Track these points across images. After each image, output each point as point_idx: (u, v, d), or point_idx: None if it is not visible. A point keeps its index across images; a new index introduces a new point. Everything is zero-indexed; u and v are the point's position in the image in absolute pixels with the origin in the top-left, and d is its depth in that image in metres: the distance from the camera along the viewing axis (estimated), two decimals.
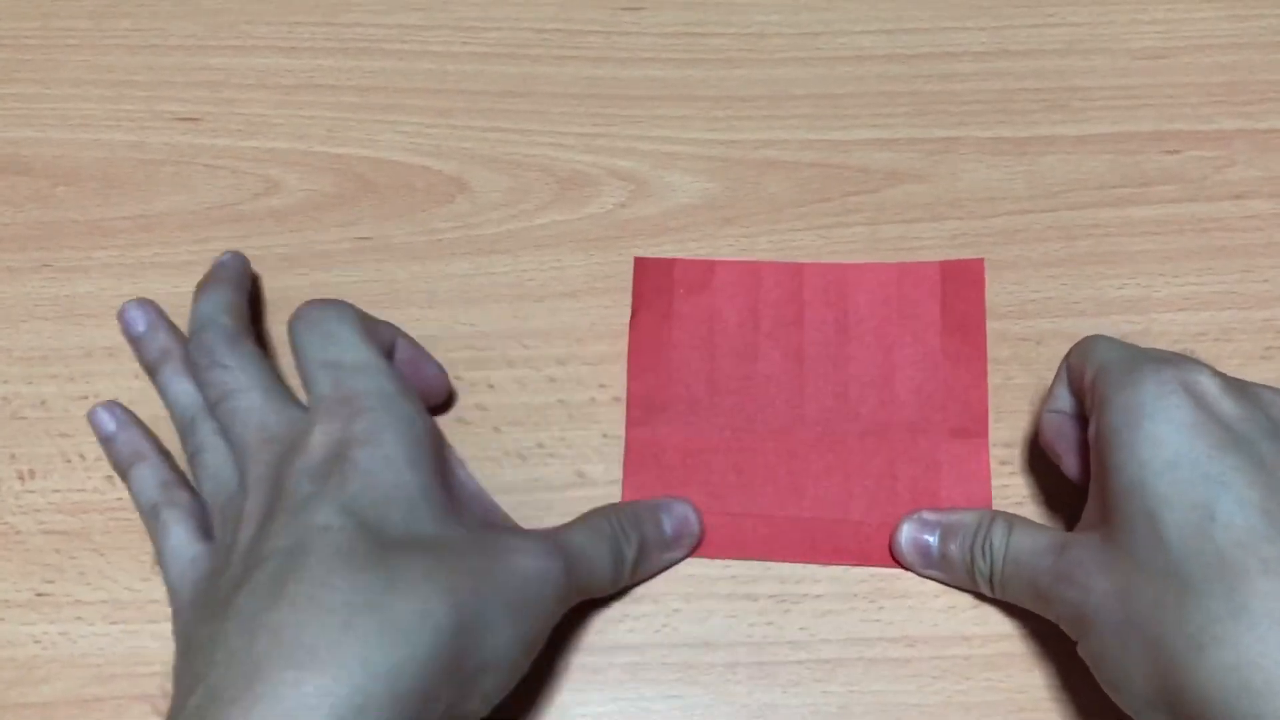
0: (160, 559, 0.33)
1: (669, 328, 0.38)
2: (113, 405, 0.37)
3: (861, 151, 0.42)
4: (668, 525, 0.35)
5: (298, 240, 0.41)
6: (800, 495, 0.36)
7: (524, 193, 0.41)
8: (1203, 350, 0.38)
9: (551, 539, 0.32)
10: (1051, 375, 0.38)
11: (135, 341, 0.37)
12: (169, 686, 0.30)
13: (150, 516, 0.34)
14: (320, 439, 0.31)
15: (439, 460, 0.32)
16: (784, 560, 0.36)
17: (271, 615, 0.27)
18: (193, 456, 0.35)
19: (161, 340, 0.37)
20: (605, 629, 0.35)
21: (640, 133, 0.42)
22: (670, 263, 0.39)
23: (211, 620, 0.29)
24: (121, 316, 0.38)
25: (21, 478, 0.37)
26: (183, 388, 0.35)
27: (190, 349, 0.35)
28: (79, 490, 0.37)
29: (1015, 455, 0.37)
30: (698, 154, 0.42)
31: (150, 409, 0.38)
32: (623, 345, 0.39)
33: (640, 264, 0.39)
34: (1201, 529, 0.27)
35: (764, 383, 0.38)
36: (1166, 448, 0.28)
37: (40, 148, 0.42)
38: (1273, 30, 0.44)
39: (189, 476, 0.35)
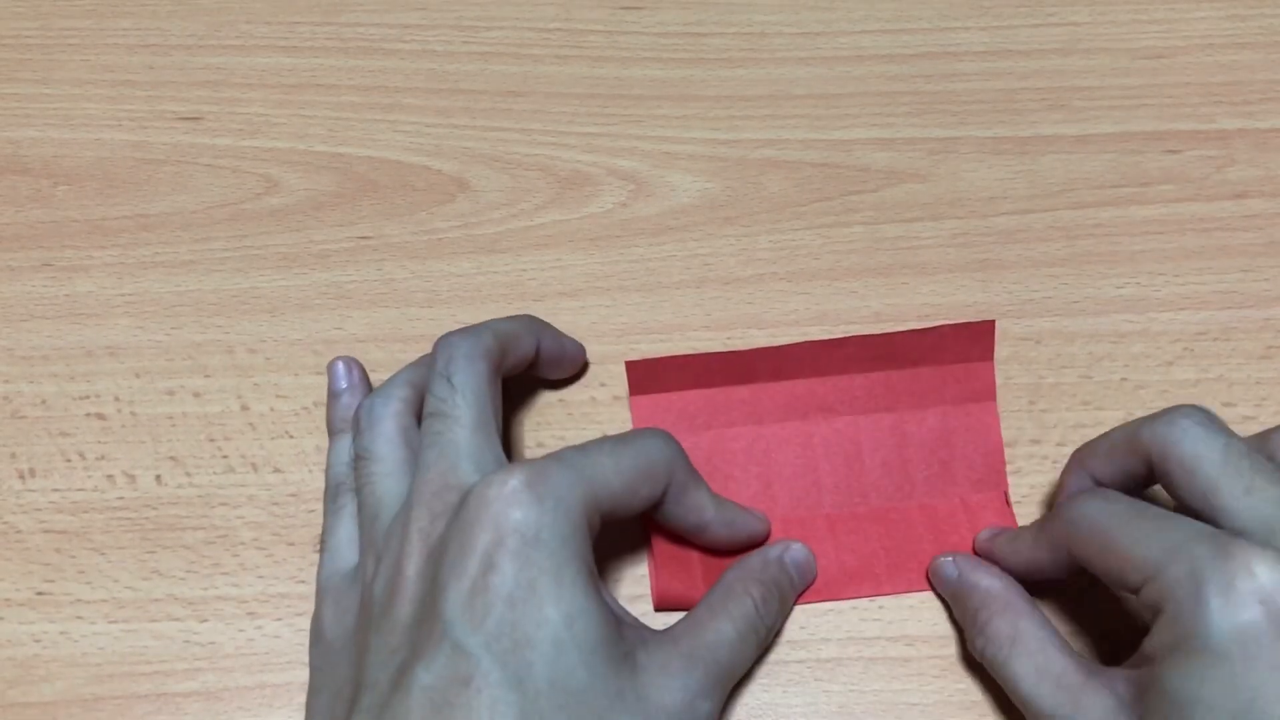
0: (322, 545, 0.34)
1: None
2: (353, 363, 0.37)
3: (862, 151, 0.42)
4: (794, 572, 0.35)
5: (298, 240, 0.41)
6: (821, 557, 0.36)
7: (524, 192, 0.41)
8: (1202, 349, 0.38)
9: (693, 661, 0.30)
10: (1051, 375, 0.38)
11: (332, 397, 0.36)
12: None
13: (330, 495, 0.34)
14: (482, 530, 0.28)
15: (588, 573, 0.29)
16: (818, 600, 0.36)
17: None
18: (358, 459, 0.33)
19: (357, 405, 0.35)
20: None
21: (640, 132, 0.42)
22: (659, 364, 0.37)
23: (358, 709, 0.28)
24: (330, 369, 0.37)
25: (22, 477, 0.37)
26: (349, 455, 0.34)
27: (435, 349, 0.33)
28: (79, 489, 0.37)
29: (1016, 455, 0.37)
30: (698, 153, 0.42)
31: (150, 408, 0.38)
32: (624, 345, 0.39)
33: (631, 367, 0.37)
34: None
35: (776, 480, 0.37)
36: (1237, 693, 0.25)
37: (41, 147, 0.42)
38: (1273, 30, 0.44)
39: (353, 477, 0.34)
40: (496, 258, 0.40)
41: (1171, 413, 0.30)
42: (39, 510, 0.37)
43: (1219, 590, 0.26)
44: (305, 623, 0.35)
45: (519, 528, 0.28)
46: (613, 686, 0.28)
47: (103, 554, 0.36)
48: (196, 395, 0.38)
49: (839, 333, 0.39)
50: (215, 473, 0.37)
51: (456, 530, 0.28)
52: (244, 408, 0.38)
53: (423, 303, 0.39)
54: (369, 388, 0.37)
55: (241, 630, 0.35)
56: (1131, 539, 0.28)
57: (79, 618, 0.35)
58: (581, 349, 0.38)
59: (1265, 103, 0.43)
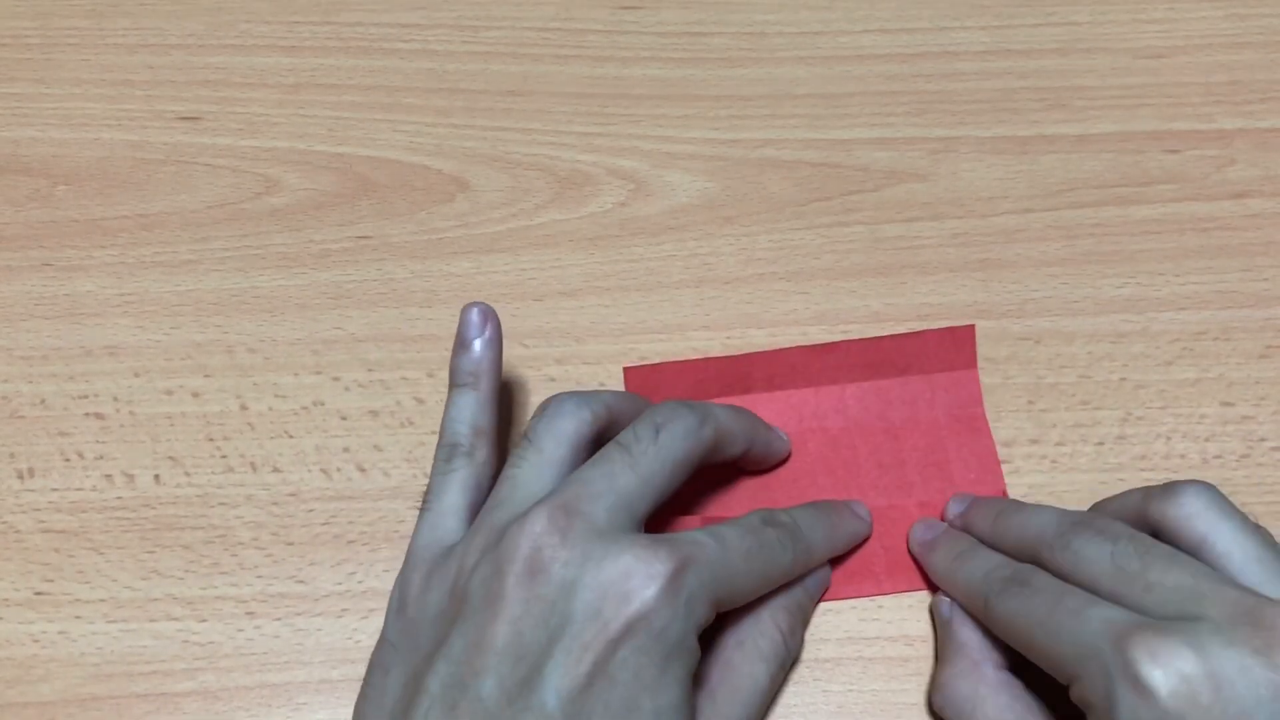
0: (424, 507, 0.32)
1: None
2: (489, 313, 0.34)
3: (862, 151, 0.42)
4: (814, 587, 0.34)
5: (298, 239, 0.41)
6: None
7: (524, 192, 0.41)
8: (1202, 349, 0.38)
9: (739, 717, 0.30)
10: (1052, 375, 0.38)
11: (461, 346, 0.34)
12: None
13: (443, 454, 0.32)
14: (609, 625, 0.27)
15: (689, 674, 0.28)
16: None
17: None
18: (524, 439, 0.32)
19: (485, 362, 0.33)
20: None
21: (640, 132, 0.42)
22: (658, 370, 0.37)
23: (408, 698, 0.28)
24: (464, 314, 0.34)
25: (20, 476, 0.37)
26: (470, 414, 0.33)
27: (658, 405, 0.32)
28: (77, 489, 0.37)
29: (1015, 455, 0.37)
30: (698, 153, 0.42)
31: (149, 408, 0.38)
32: (623, 345, 0.39)
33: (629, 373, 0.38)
34: None
35: (773, 482, 0.37)
36: None
37: (40, 147, 0.42)
38: (1273, 30, 0.44)
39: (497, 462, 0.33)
40: (496, 257, 0.40)
41: (1177, 490, 0.30)
42: (38, 510, 0.37)
43: (1129, 692, 0.26)
44: (304, 623, 0.35)
45: (652, 621, 0.27)
46: None
47: (101, 554, 0.36)
48: (195, 395, 0.38)
49: (839, 333, 0.39)
50: (214, 472, 0.37)
51: (583, 594, 0.27)
52: (243, 407, 0.38)
53: (423, 302, 0.39)
54: (501, 346, 0.34)
55: (240, 630, 0.35)
56: (1050, 638, 0.29)
57: (78, 617, 0.35)
58: (787, 445, 0.36)
59: (1265, 102, 0.42)
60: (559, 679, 0.27)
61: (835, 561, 0.35)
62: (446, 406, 0.34)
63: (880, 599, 0.35)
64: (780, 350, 0.38)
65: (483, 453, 0.33)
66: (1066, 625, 0.28)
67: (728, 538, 0.30)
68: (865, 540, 0.36)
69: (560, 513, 0.28)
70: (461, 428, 0.33)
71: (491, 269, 0.40)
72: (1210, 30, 0.44)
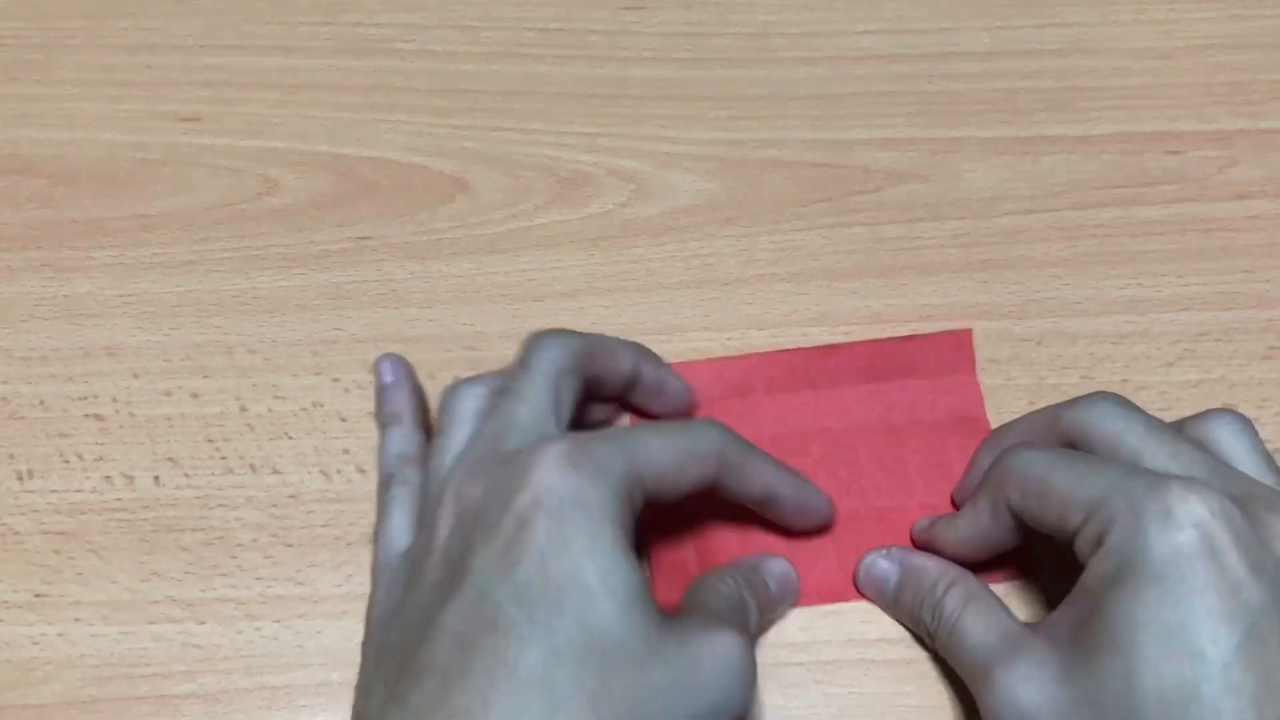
0: (375, 534, 0.34)
1: None
2: (398, 361, 0.37)
3: (863, 151, 0.42)
4: (772, 583, 0.34)
5: (298, 240, 0.40)
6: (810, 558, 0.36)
7: (524, 192, 0.41)
8: (1204, 350, 0.38)
9: (722, 620, 0.30)
10: (1054, 376, 0.38)
11: (379, 391, 0.37)
12: None
13: (381, 486, 0.34)
14: (519, 493, 0.28)
15: (625, 541, 0.29)
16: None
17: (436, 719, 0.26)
18: (435, 435, 0.33)
19: (401, 400, 0.36)
20: None
21: (641, 132, 0.42)
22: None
23: (382, 684, 0.29)
24: (377, 365, 0.37)
25: (20, 478, 0.37)
26: (397, 447, 0.35)
27: (524, 341, 0.33)
28: (77, 491, 0.37)
29: None
30: (699, 154, 0.42)
31: (149, 409, 0.38)
32: None
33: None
34: (1184, 710, 0.26)
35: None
36: (1170, 612, 0.26)
37: (40, 147, 0.42)
38: (1274, 30, 0.44)
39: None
40: (496, 258, 0.40)
41: (1091, 397, 0.32)
42: (37, 511, 0.37)
43: (1156, 518, 0.27)
44: (304, 625, 0.35)
45: (557, 490, 0.28)
46: (649, 633, 0.27)
47: (101, 555, 0.36)
48: (195, 396, 0.38)
49: (840, 334, 0.39)
50: (214, 474, 0.37)
51: (494, 491, 0.29)
52: (243, 409, 0.38)
53: (422, 303, 0.39)
54: (415, 381, 0.37)
55: (240, 632, 0.35)
56: (1069, 482, 0.29)
57: (77, 620, 0.35)
58: (689, 392, 0.37)
59: (1267, 103, 0.42)
60: (487, 565, 0.27)
61: (837, 565, 0.35)
62: (378, 448, 0.35)
63: None
64: (780, 352, 0.38)
65: (415, 474, 0.34)
66: (1088, 469, 0.29)
67: (638, 426, 0.32)
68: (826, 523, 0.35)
69: (478, 464, 0.30)
70: (392, 460, 0.35)
71: (491, 270, 0.40)
72: (1212, 31, 0.44)
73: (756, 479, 0.33)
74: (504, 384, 0.32)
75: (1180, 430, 0.32)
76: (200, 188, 0.41)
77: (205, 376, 0.38)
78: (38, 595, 0.35)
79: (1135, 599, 0.27)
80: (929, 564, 0.34)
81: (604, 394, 0.35)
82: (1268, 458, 0.31)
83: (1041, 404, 0.37)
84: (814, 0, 0.44)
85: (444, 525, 0.30)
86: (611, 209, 0.41)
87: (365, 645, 0.32)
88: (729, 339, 0.39)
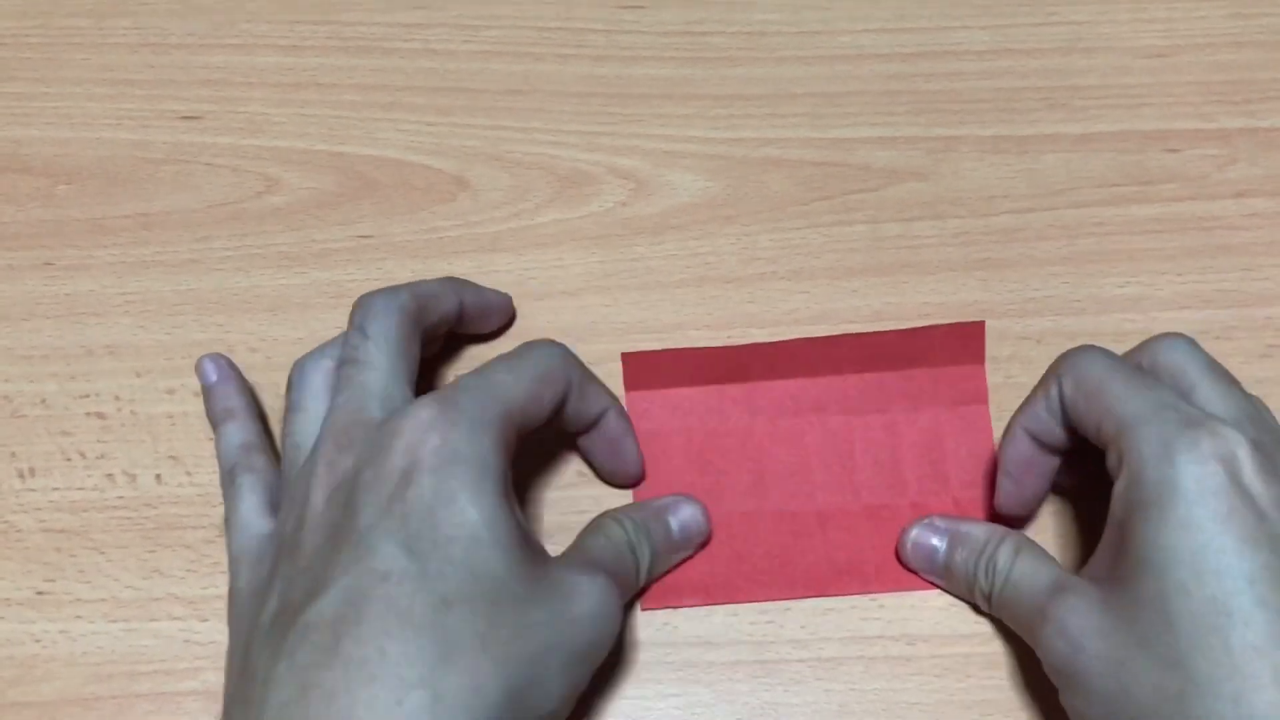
0: (226, 526, 0.33)
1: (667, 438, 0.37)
2: (219, 357, 0.37)
3: (863, 150, 0.42)
4: (676, 527, 0.35)
5: (299, 239, 0.41)
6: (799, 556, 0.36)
7: (525, 191, 0.41)
8: (1204, 349, 0.38)
9: (595, 567, 0.31)
10: None
11: (206, 391, 0.37)
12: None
13: (226, 480, 0.34)
14: (398, 457, 0.29)
15: (505, 487, 0.30)
16: (791, 598, 0.35)
17: (325, 675, 0.27)
18: (286, 414, 0.34)
19: (231, 395, 0.36)
20: None
21: (641, 131, 0.42)
22: (656, 358, 0.37)
23: (266, 645, 0.28)
24: (199, 366, 0.37)
25: (22, 476, 0.37)
26: (237, 439, 0.35)
27: (353, 307, 0.34)
28: (79, 489, 0.37)
29: None
30: (699, 152, 0.42)
31: (150, 407, 0.38)
32: (625, 344, 0.39)
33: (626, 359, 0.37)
34: (1217, 626, 0.27)
35: (768, 475, 0.37)
36: (1196, 535, 0.27)
37: (41, 146, 0.42)
38: (1274, 29, 0.44)
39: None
40: (497, 257, 0.40)
41: (1163, 335, 0.33)
42: (39, 509, 0.37)
43: (1186, 448, 0.28)
44: None
45: (436, 449, 0.29)
46: (530, 576, 0.29)
47: (103, 553, 0.36)
48: (197, 394, 0.38)
49: (840, 332, 0.39)
50: (215, 472, 0.37)
51: (370, 459, 0.29)
52: None
53: None
54: (241, 377, 0.37)
55: None
56: (1119, 391, 0.30)
57: (79, 617, 0.35)
58: (507, 299, 0.39)
59: (1266, 101, 0.42)
60: (375, 521, 0.28)
61: (828, 559, 0.35)
62: (216, 445, 0.35)
63: (882, 599, 0.35)
64: (783, 342, 0.37)
65: (260, 460, 0.34)
66: (1137, 385, 0.30)
67: (483, 366, 0.32)
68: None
69: (343, 435, 0.30)
70: (231, 452, 0.35)
71: (492, 268, 0.40)
72: (1211, 29, 0.44)
73: (594, 400, 0.35)
74: (347, 354, 0.32)
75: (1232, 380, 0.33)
76: (201, 186, 0.42)
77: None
78: (40, 593, 0.36)
79: (1163, 524, 0.28)
80: (976, 527, 0.34)
81: (437, 334, 0.36)
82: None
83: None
84: (813, 0, 0.45)
85: (318, 496, 0.30)
86: (612, 207, 0.41)
87: (234, 632, 0.32)
88: (729, 337, 0.39)
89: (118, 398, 0.38)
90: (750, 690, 0.34)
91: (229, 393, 0.36)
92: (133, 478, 0.37)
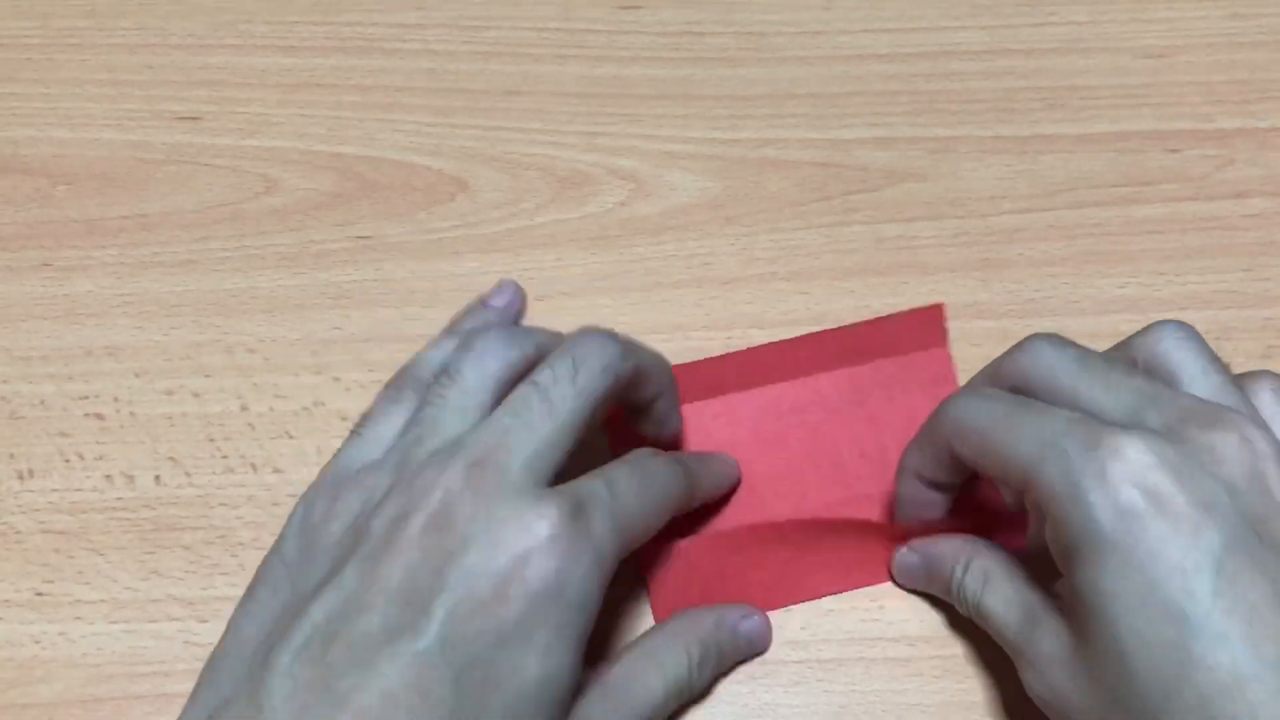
0: (358, 425, 0.32)
1: None
2: (520, 294, 0.38)
3: (862, 150, 0.42)
4: (744, 641, 0.34)
5: (297, 239, 0.41)
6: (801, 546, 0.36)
7: (524, 192, 0.41)
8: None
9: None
10: None
11: (481, 304, 0.37)
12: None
13: (396, 384, 0.32)
14: (504, 557, 0.27)
15: (587, 631, 0.28)
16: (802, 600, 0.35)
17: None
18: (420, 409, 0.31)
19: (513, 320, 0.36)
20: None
21: (640, 132, 0.42)
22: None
23: (284, 651, 0.27)
24: (500, 284, 0.37)
25: (20, 477, 0.37)
26: (442, 356, 0.32)
27: (580, 333, 0.31)
28: (78, 490, 0.37)
29: None
30: (698, 153, 0.42)
31: (149, 408, 0.38)
32: None
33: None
34: (1181, 674, 0.25)
35: (759, 482, 0.37)
36: (1135, 578, 0.26)
37: (40, 147, 0.42)
38: (1274, 29, 0.44)
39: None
40: (496, 257, 0.40)
41: (1025, 340, 0.31)
42: (38, 511, 0.37)
43: (1094, 484, 0.26)
44: None
45: (546, 577, 0.26)
46: None
47: (102, 554, 0.36)
48: (196, 395, 0.38)
49: None
50: (214, 473, 0.37)
51: (483, 537, 0.27)
52: (243, 408, 0.38)
53: (423, 303, 0.39)
54: (518, 323, 0.37)
55: None
56: (1005, 439, 0.29)
57: (78, 618, 0.35)
58: (680, 426, 0.35)
59: (1265, 102, 0.42)
60: (443, 626, 0.26)
61: (835, 558, 0.35)
62: (430, 343, 0.33)
63: (882, 600, 0.35)
64: (753, 348, 0.38)
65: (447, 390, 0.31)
66: (1024, 423, 0.28)
67: (617, 477, 0.30)
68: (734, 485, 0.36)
69: (476, 470, 0.27)
70: (426, 370, 0.32)
71: (492, 269, 0.40)
72: (1210, 30, 0.44)
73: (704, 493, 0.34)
74: (541, 379, 0.29)
75: (1124, 350, 0.31)
76: (200, 187, 0.41)
77: (206, 376, 0.38)
78: (39, 594, 0.35)
79: (1099, 570, 0.26)
80: (943, 547, 0.34)
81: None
82: (1211, 361, 0.30)
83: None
84: (812, 0, 0.44)
85: (418, 541, 0.27)
86: (611, 208, 0.41)
87: (284, 557, 0.30)
88: (729, 338, 0.39)
89: (116, 399, 0.38)
90: (749, 691, 0.34)
91: (495, 324, 0.35)
92: (131, 479, 0.37)
